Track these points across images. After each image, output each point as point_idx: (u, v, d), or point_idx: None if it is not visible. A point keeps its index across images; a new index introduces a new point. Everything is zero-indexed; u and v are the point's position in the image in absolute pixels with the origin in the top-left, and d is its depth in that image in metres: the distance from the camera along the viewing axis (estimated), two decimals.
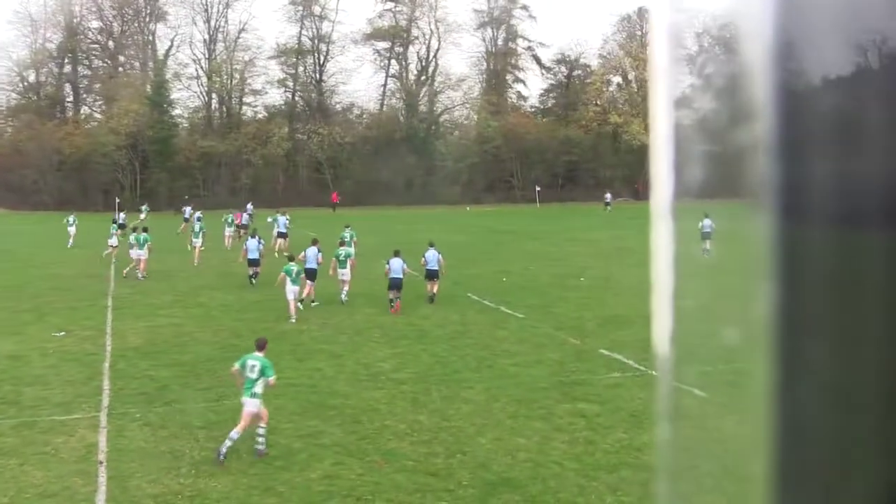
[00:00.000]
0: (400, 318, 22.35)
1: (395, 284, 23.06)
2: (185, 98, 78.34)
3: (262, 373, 12.18)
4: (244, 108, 79.94)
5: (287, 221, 37.38)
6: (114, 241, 33.17)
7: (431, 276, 24.00)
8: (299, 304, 22.51)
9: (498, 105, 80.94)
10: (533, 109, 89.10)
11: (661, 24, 0.96)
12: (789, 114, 0.84)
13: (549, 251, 37.21)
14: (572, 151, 76.15)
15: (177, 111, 76.70)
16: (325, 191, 71.19)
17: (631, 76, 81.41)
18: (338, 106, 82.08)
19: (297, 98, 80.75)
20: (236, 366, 12.48)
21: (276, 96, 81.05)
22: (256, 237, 28.64)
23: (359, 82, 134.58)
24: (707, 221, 37.84)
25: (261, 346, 12.67)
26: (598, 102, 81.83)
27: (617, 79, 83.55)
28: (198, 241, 33.02)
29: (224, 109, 79.31)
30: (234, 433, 11.91)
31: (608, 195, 68.75)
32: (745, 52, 0.85)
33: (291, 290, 22.10)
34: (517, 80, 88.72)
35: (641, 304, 23.57)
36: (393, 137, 75.45)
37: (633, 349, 18.17)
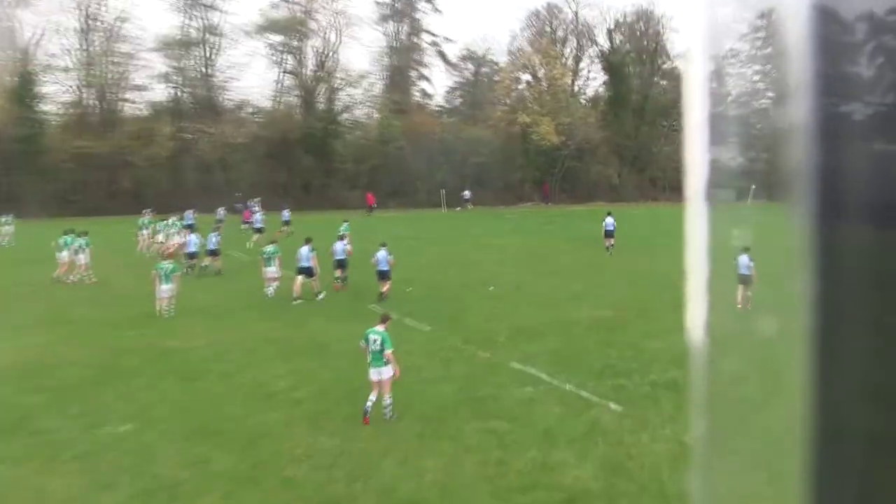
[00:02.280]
0: (296, 331, 22.08)
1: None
2: (56, 93, 75.40)
3: (384, 344, 14.62)
4: (124, 104, 77.51)
5: (262, 217, 43.93)
6: None
7: (383, 276, 26.68)
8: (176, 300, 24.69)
9: (401, 103, 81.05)
10: (438, 108, 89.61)
11: (699, 14, 0.97)
12: (829, 102, 0.80)
13: (456, 258, 37.45)
14: (480, 152, 76.89)
15: (47, 107, 73.76)
16: (215, 195, 69.67)
17: (540, 73, 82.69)
18: (229, 103, 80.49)
19: (183, 94, 78.78)
20: (361, 343, 14.96)
21: (160, 92, 78.85)
22: (209, 233, 33.34)
23: (252, 78, 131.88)
24: (609, 220, 38.60)
25: (384, 319, 15.24)
26: (507, 101, 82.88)
27: (526, 76, 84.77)
28: (63, 255, 31.41)
29: (101, 106, 76.67)
30: (372, 396, 14.61)
31: (466, 192, 71.70)
32: (786, 39, 0.81)
33: (163, 289, 24.15)
34: (422, 77, 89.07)
35: (554, 312, 23.98)
36: (289, 137, 74.54)
37: (546, 362, 18.37)
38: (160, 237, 39.68)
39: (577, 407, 15.29)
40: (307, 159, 75.23)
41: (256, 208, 53.61)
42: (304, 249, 27.23)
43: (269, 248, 28.18)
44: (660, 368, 17.22)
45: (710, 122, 0.93)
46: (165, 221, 41.49)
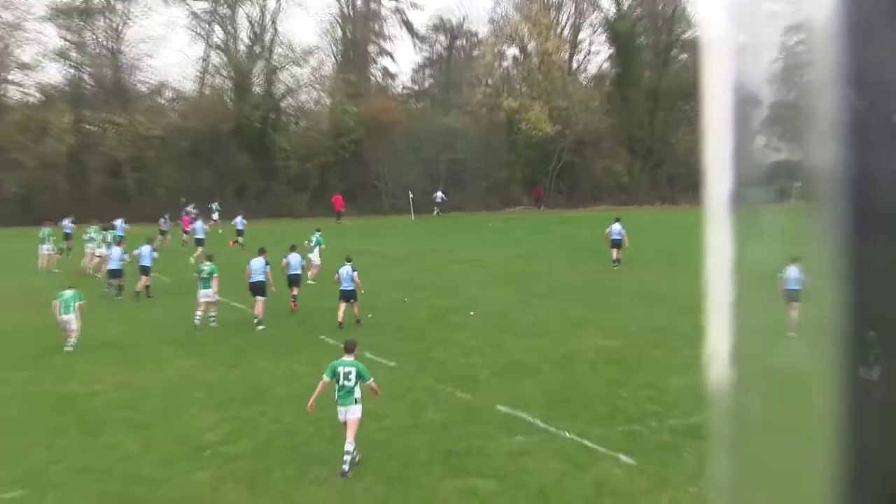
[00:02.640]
0: (229, 370, 22.01)
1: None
2: None
3: (360, 377, 15.18)
4: (8, 87, 76.96)
5: (204, 226, 47.17)
6: None
7: (347, 297, 27.48)
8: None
9: (358, 86, 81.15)
10: (404, 92, 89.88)
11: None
12: (860, 104, 0.81)
13: (428, 277, 37.61)
14: (456, 146, 77.23)
15: None
16: (124, 200, 69.30)
17: (530, 47, 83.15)
18: (142, 87, 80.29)
19: (84, 75, 78.43)
20: (325, 377, 15.22)
21: (54, 73, 78.43)
22: (142, 246, 34.41)
23: (170, 55, 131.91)
24: (616, 227, 39.35)
25: (350, 348, 15.57)
26: (489, 82, 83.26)
27: (512, 51, 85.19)
28: None
29: None
30: (348, 446, 14.89)
31: (438, 194, 73.54)
32: (813, 34, 0.82)
33: (64, 319, 24.53)
34: (382, 52, 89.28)
35: (550, 343, 24.07)
36: (218, 129, 74.46)
37: (540, 405, 18.40)
38: (90, 250, 40.21)
39: (580, 460, 15.31)
40: (242, 157, 75.05)
41: (194, 213, 54.12)
42: (258, 261, 28.45)
43: (206, 267, 28.72)
44: (682, 412, 17.30)
45: (738, 105, 0.93)
46: (88, 233, 41.59)
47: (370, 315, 28.17)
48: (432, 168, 76.07)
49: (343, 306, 27.39)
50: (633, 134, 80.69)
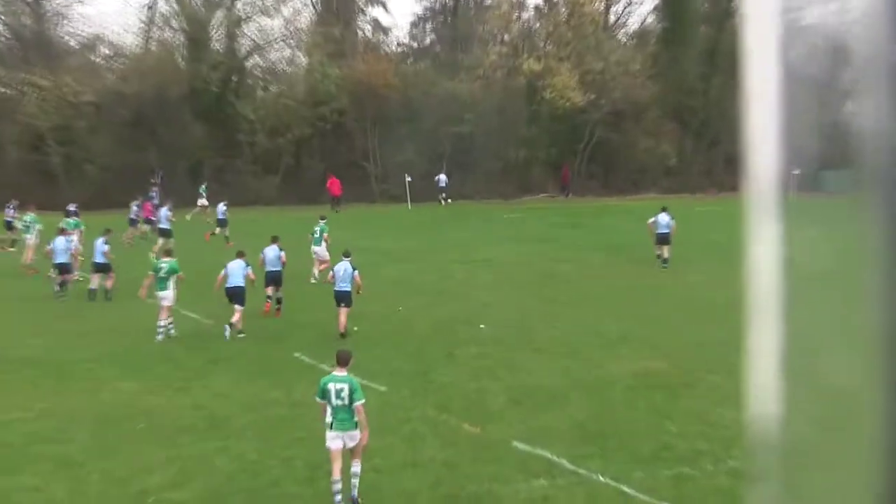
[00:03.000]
0: (180, 395, 22.02)
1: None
2: None
3: (353, 395, 15.66)
4: None
5: (170, 214, 47.48)
6: None
7: (342, 299, 28.24)
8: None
9: (342, 42, 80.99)
10: (400, 50, 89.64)
11: None
12: None
13: (428, 280, 37.87)
14: (464, 118, 76.99)
15: None
16: (47, 180, 69.30)
17: None
18: (71, 41, 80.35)
19: None
20: (318, 399, 15.91)
21: None
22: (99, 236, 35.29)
23: (108, 1, 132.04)
24: (663, 219, 39.76)
25: (343, 360, 16.18)
26: (505, 39, 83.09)
27: (535, 0, 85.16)
28: None
29: None
30: (355, 467, 15.75)
31: (441, 177, 73.80)
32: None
33: None
34: (373, 1, 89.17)
35: (579, 365, 24.12)
36: (166, 94, 74.47)
37: (567, 441, 18.39)
38: (30, 240, 41.15)
39: None
40: (195, 129, 75.09)
41: (155, 195, 54.67)
42: (237, 263, 29.38)
43: (165, 263, 29.15)
44: (743, 451, 17.24)
45: (790, 78, 0.99)
46: (23, 220, 42.63)
47: (356, 327, 28.20)
48: (433, 145, 75.87)
49: (339, 311, 28.15)
50: (684, 104, 79.69)
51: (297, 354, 25.41)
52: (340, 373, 15.91)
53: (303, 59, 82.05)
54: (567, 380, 22.91)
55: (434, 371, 24.09)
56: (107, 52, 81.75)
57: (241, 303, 28.79)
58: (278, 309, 31.56)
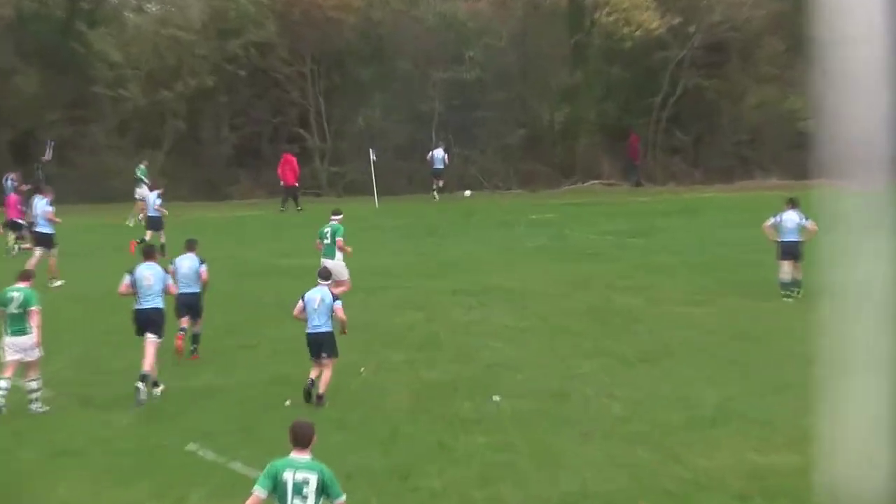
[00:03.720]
0: None
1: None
2: None
3: (324, 491, 15.48)
4: None
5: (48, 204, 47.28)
6: None
7: (321, 344, 28.75)
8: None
9: None
10: None
11: None
12: None
13: (406, 322, 38.15)
14: (465, 59, 76.91)
15: None
16: None
17: None
18: None
19: None
20: (258, 490, 15.49)
21: None
22: None
23: None
24: (791, 217, 39.80)
25: (304, 439, 15.73)
26: None
27: None
28: None
29: None
30: None
31: (438, 153, 74.06)
32: None
33: None
34: None
35: (656, 463, 23.78)
36: None
37: None
38: None
39: None
40: (26, 77, 74.82)
41: (12, 180, 57.18)
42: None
43: (18, 293, 28.77)
44: None
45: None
46: None
47: (288, 401, 27.99)
48: (415, 101, 75.73)
49: (314, 365, 28.77)
50: None
51: (191, 447, 25.21)
52: (301, 455, 15.60)
53: None
54: (634, 484, 22.76)
55: (419, 470, 23.80)
56: None
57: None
58: (194, 350, 32.29)
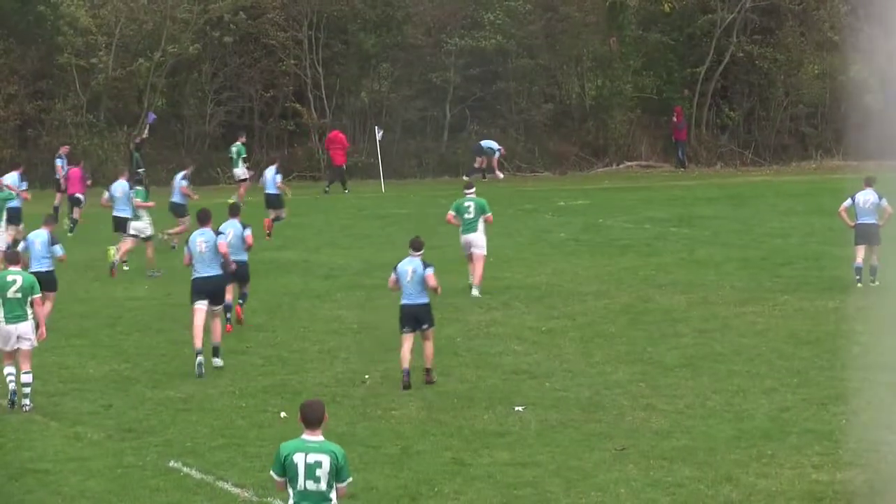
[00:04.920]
0: None
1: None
2: None
3: (337, 473, 16.60)
4: None
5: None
6: None
7: (417, 316, 30.99)
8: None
9: None
10: None
11: None
12: None
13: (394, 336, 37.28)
14: (482, 23, 76.89)
15: None
16: None
17: None
18: None
19: None
20: (274, 475, 16.89)
21: None
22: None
23: None
24: (867, 198, 39.45)
25: (315, 418, 16.88)
26: None
27: None
28: None
29: None
30: None
31: (491, 144, 73.65)
32: None
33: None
34: None
35: (698, 478, 23.79)
36: None
37: None
38: None
39: None
40: None
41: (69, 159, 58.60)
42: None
43: (18, 275, 30.12)
44: None
45: None
46: None
47: (283, 414, 27.97)
48: (428, 73, 75.69)
49: (408, 339, 30.94)
50: None
51: (173, 465, 25.27)
52: (313, 437, 16.46)
53: None
54: None
55: (432, 491, 23.71)
56: None
57: (221, 299, 32.73)
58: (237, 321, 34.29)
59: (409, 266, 30.27)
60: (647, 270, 44.69)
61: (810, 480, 23.76)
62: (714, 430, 26.94)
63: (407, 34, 74.54)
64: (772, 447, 25.86)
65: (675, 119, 77.21)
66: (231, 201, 47.87)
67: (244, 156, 65.82)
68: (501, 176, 71.70)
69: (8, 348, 29.46)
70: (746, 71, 78.64)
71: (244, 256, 34.95)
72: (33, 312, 29.75)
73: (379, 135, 69.05)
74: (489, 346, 34.59)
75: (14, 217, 48.86)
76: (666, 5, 75.74)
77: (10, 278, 29.74)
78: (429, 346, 30.71)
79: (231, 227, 35.02)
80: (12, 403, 29.88)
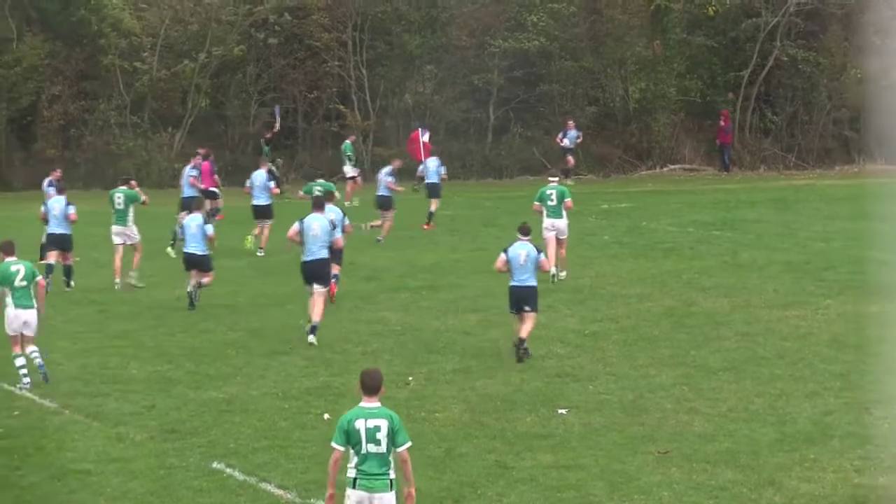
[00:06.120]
0: None
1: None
2: None
3: (393, 438, 17.75)
4: None
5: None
6: None
7: (526, 298, 32.91)
8: None
9: None
10: None
11: None
12: None
13: (459, 325, 38.04)
14: (525, 25, 76.87)
15: None
16: None
17: None
18: None
19: None
20: (336, 445, 17.66)
21: None
22: None
23: None
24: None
25: (374, 385, 18.12)
26: None
27: None
28: None
29: None
30: None
31: (574, 133, 73.31)
32: None
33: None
34: None
35: (740, 481, 23.74)
36: None
37: None
38: None
39: None
40: (27, 50, 74.48)
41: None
42: (316, 220, 35.08)
43: (20, 266, 31.71)
44: None
45: None
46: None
47: (326, 416, 27.93)
48: (472, 76, 75.62)
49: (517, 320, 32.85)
50: None
51: (216, 466, 25.34)
52: (372, 404, 17.72)
53: None
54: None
55: (475, 494, 23.84)
56: None
57: (325, 281, 34.92)
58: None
59: (523, 250, 31.58)
60: (691, 274, 44.71)
61: (853, 484, 23.82)
62: (757, 434, 27.00)
63: (451, 36, 74.60)
64: (814, 451, 25.86)
65: (722, 123, 77.13)
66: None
67: (349, 154, 66.45)
68: (573, 162, 71.88)
69: (12, 332, 30.82)
70: (790, 75, 78.55)
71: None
72: (35, 293, 30.84)
73: (425, 136, 68.93)
74: (532, 348, 34.30)
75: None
76: (710, 9, 75.73)
77: (13, 268, 31.02)
78: (528, 324, 32.19)
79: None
80: (45, 376, 31.13)
